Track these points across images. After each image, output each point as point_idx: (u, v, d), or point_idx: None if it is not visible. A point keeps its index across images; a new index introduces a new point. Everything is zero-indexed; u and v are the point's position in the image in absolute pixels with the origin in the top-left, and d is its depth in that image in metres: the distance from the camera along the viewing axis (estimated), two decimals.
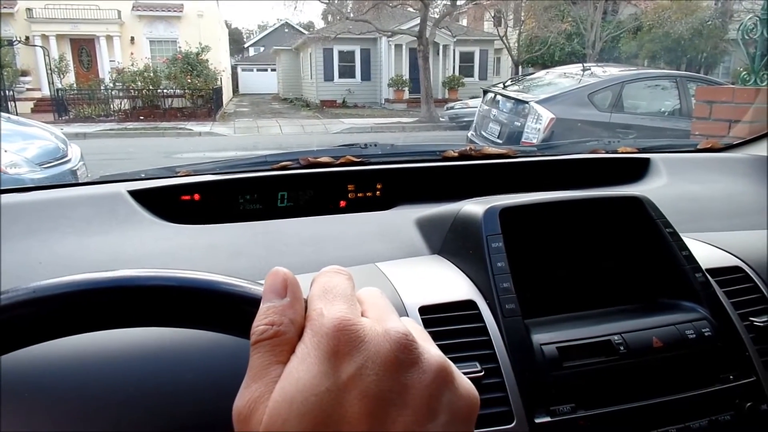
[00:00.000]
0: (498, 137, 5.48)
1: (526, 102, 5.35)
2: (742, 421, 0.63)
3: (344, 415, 0.26)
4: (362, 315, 0.30)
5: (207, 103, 14.71)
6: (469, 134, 6.32)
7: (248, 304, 0.31)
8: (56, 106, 13.58)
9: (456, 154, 1.20)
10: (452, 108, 12.78)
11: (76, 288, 0.31)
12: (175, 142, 10.53)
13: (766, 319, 0.69)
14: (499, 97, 5.90)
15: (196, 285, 0.32)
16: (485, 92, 6.38)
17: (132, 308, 0.32)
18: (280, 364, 0.28)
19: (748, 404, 0.62)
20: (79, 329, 0.32)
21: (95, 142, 9.94)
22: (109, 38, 17.03)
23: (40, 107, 14.41)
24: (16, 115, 10.02)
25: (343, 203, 1.08)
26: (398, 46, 18.44)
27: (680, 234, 0.72)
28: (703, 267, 0.70)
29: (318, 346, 0.27)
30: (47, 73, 15.09)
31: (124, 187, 0.93)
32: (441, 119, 13.08)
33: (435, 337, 0.60)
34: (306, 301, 0.31)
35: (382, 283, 0.67)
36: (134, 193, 0.92)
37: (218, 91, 15.64)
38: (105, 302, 0.32)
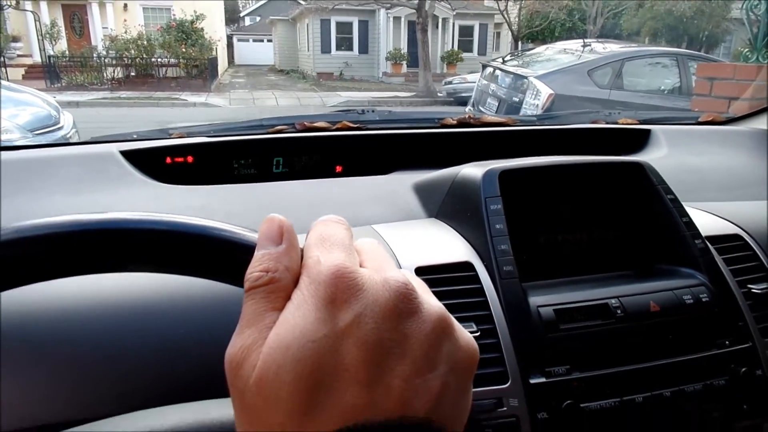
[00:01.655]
0: (496, 112, 5.44)
1: (525, 77, 5.30)
2: (737, 386, 0.63)
3: (342, 363, 0.25)
4: (360, 265, 0.29)
5: (202, 74, 14.51)
6: (467, 109, 6.28)
7: (242, 251, 0.30)
8: (48, 73, 13.36)
9: (455, 122, 1.18)
10: (450, 83, 12.67)
11: (61, 229, 0.30)
12: (169, 113, 10.40)
13: (763, 287, 0.69)
14: (498, 72, 5.83)
15: (189, 230, 0.31)
16: (484, 67, 6.31)
17: (121, 252, 0.31)
18: (275, 311, 0.27)
19: (743, 369, 0.62)
20: (66, 272, 0.31)
21: (88, 111, 9.80)
22: (101, 4, 16.66)
23: (32, 74, 14.17)
24: (7, 81, 9.85)
25: (339, 168, 1.06)
26: (397, 19, 18.16)
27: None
28: (703, 234, 0.69)
29: (315, 293, 0.26)
30: (38, 39, 14.81)
31: (116, 148, 0.91)
32: (439, 94, 12.97)
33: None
34: (302, 250, 0.29)
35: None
36: (126, 154, 0.90)
37: (213, 61, 15.42)
38: (92, 244, 0.30)
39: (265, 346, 0.25)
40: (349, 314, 0.26)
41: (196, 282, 0.55)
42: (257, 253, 0.29)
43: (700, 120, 1.32)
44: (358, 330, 0.26)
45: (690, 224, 0.69)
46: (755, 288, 0.68)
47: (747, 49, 2.60)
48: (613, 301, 0.62)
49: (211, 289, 0.55)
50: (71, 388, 0.48)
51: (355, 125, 1.12)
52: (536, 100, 5.04)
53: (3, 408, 0.45)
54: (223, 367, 0.26)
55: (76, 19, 16.91)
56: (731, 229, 0.76)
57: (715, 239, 0.72)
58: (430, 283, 0.59)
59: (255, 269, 0.28)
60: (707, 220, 0.77)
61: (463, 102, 9.38)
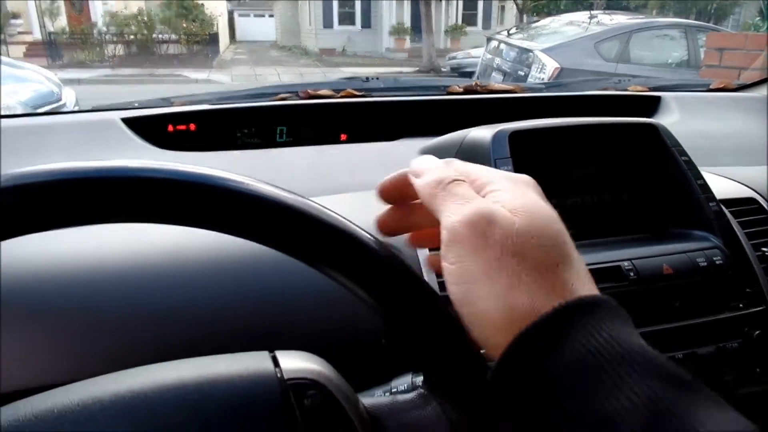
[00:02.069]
0: None
1: (531, 50, 5.21)
2: (750, 350, 0.62)
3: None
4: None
5: (203, 50, 14.36)
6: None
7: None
8: (49, 51, 13.25)
9: (461, 89, 1.16)
10: (455, 58, 12.49)
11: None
12: (171, 89, 10.30)
13: None
14: (502, 46, 5.74)
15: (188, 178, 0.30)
16: (489, 40, 6.22)
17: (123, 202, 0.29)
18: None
19: (757, 332, 0.61)
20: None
21: (90, 88, 9.73)
22: None
23: (33, 51, 14.05)
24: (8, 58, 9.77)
25: (344, 136, 1.05)
26: None
27: None
28: (717, 197, 0.68)
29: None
30: (38, 16, 14.65)
31: (117, 115, 0.90)
32: (443, 69, 12.81)
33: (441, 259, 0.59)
34: None
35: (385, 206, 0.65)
36: (128, 121, 0.89)
37: (215, 37, 15.25)
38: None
39: (512, 208, 0.30)
40: None
41: (185, 240, 0.54)
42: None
43: (711, 87, 1.29)
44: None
45: (704, 187, 0.67)
46: None
47: (758, 18, 2.54)
48: (625, 263, 0.61)
49: (206, 247, 0.54)
50: (65, 349, 0.48)
51: (360, 93, 1.10)
52: (542, 73, 4.96)
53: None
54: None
55: None
56: (746, 193, 0.74)
57: (729, 202, 0.71)
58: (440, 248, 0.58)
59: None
60: (721, 184, 0.76)
61: (467, 76, 9.26)
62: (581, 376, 0.26)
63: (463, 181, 0.32)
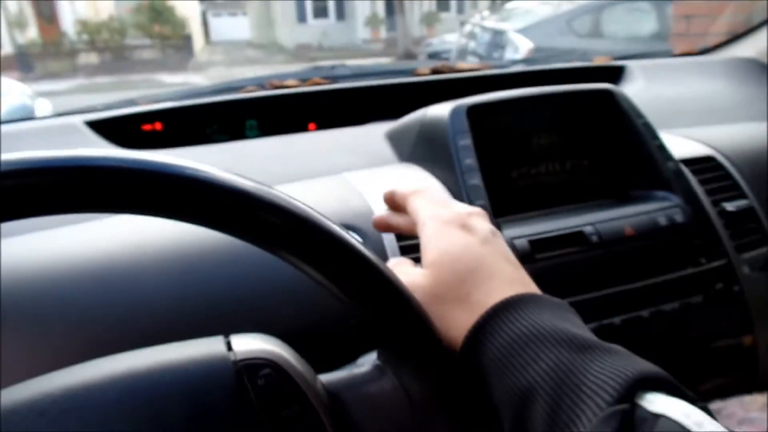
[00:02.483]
0: None
1: (504, 32, 5.21)
2: (714, 303, 0.63)
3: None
4: None
5: (178, 53, 14.20)
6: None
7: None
8: (20, 63, 13.03)
9: (428, 71, 1.16)
10: (430, 45, 12.46)
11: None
12: (147, 95, 10.18)
13: (738, 204, 0.69)
14: (477, 30, 5.73)
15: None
16: (462, 24, 6.21)
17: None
18: None
19: (720, 286, 0.63)
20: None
21: (65, 99, 9.60)
22: None
23: (5, 65, 13.82)
24: None
25: (312, 125, 1.05)
26: None
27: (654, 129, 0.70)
28: (676, 157, 0.69)
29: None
30: (7, 29, 14.38)
31: (80, 119, 0.89)
32: (419, 57, 12.77)
33: (405, 237, 0.59)
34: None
35: (349, 190, 0.65)
36: (92, 124, 0.88)
37: (188, 39, 15.08)
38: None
39: (426, 264, 0.41)
40: None
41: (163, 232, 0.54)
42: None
43: (675, 53, 1.30)
44: None
45: (661, 147, 0.68)
46: (729, 206, 0.68)
47: None
48: (588, 228, 0.62)
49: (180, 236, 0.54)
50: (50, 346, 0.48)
51: (327, 80, 1.09)
52: (516, 54, 4.96)
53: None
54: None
55: (44, 6, 16.40)
56: (705, 151, 0.75)
57: (688, 162, 0.72)
58: None
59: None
60: (680, 144, 0.77)
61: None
62: (509, 356, 0.33)
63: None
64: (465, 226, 0.42)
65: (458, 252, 0.39)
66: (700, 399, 0.28)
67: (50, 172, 0.27)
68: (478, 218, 0.44)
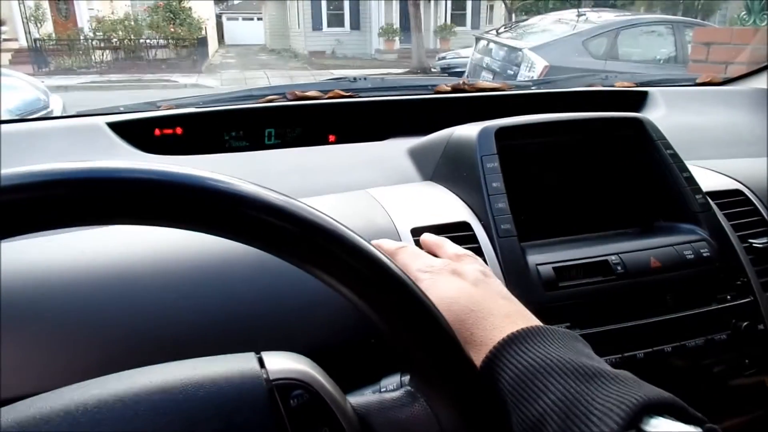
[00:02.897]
0: None
1: (520, 49, 5.22)
2: (738, 341, 0.62)
3: None
4: None
5: (192, 54, 14.31)
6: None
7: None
8: (35, 58, 13.15)
9: (449, 88, 1.16)
10: (444, 58, 12.51)
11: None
12: (160, 94, 10.22)
13: (765, 241, 0.68)
14: (491, 45, 5.75)
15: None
16: (477, 40, 6.23)
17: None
18: None
19: (745, 324, 0.62)
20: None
21: (77, 95, 9.66)
22: None
23: (19, 59, 13.92)
24: None
25: (332, 138, 1.04)
26: None
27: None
28: (703, 190, 0.68)
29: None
30: (23, 23, 14.52)
31: (102, 120, 0.89)
32: (432, 69, 12.82)
33: None
34: None
35: (374, 207, 0.65)
36: (113, 125, 0.88)
37: (203, 41, 15.19)
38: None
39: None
40: None
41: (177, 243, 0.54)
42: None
43: (697, 81, 1.30)
44: None
45: (690, 179, 0.67)
46: (756, 242, 0.67)
47: (744, 13, 2.56)
48: (613, 258, 0.61)
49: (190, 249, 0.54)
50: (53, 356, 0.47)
51: (348, 93, 1.09)
52: (531, 71, 4.98)
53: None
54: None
55: (60, 1, 16.57)
56: (732, 185, 0.75)
57: (715, 194, 0.71)
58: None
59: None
60: (707, 176, 0.76)
61: (457, 76, 9.27)
62: (519, 389, 0.34)
63: None
64: (455, 272, 0.44)
65: (453, 297, 0.41)
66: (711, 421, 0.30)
67: (92, 183, 0.27)
68: (468, 262, 0.47)
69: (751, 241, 0.68)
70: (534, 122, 0.68)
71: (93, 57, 13.63)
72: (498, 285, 0.45)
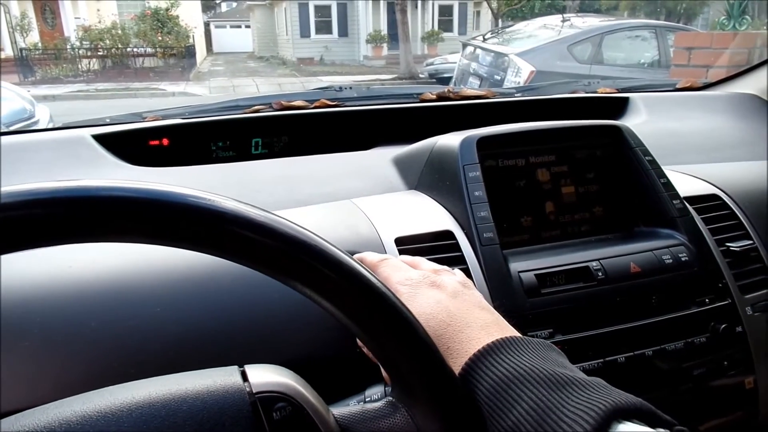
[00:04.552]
0: None
1: (506, 55, 5.27)
2: (717, 343, 0.63)
3: None
4: None
5: (180, 62, 14.26)
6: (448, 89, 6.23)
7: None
8: (21, 67, 13.04)
9: (434, 96, 1.17)
10: (432, 64, 12.57)
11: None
12: (147, 103, 10.21)
13: (741, 245, 0.69)
14: (478, 51, 5.80)
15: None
16: (465, 46, 6.28)
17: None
18: None
19: (723, 326, 0.63)
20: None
21: (65, 104, 9.59)
22: None
23: (4, 68, 13.81)
24: None
25: (318, 147, 1.05)
26: (376, 0, 17.97)
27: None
28: (681, 195, 0.70)
29: None
30: (9, 32, 14.41)
31: (87, 132, 0.89)
32: (420, 75, 12.87)
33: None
34: None
35: (358, 217, 0.66)
36: (99, 137, 0.88)
37: (191, 49, 15.15)
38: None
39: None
40: None
41: (165, 258, 0.54)
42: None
43: (677, 86, 1.32)
44: None
45: (668, 185, 0.69)
46: (733, 246, 0.69)
47: (723, 17, 2.61)
48: (593, 264, 0.62)
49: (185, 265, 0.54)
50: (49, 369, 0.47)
51: (334, 102, 1.10)
52: (518, 77, 5.02)
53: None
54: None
55: (47, 10, 16.44)
56: (709, 190, 0.76)
57: (693, 200, 0.73)
58: (411, 254, 0.59)
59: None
60: (685, 181, 0.78)
61: (444, 82, 9.33)
62: (494, 399, 0.35)
63: None
64: (434, 284, 0.45)
65: (431, 310, 0.42)
66: (682, 425, 0.31)
67: (79, 203, 0.27)
68: (446, 274, 0.47)
69: (728, 244, 0.69)
70: (515, 131, 0.69)
71: (80, 66, 13.54)
72: (476, 296, 0.46)
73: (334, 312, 0.33)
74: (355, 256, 0.47)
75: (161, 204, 0.28)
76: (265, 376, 0.35)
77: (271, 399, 0.33)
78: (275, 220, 0.30)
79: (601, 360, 0.59)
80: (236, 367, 0.36)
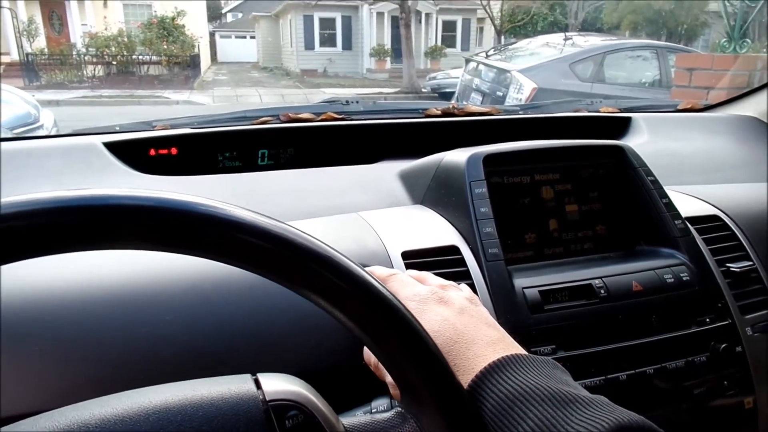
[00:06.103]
0: None
1: (509, 71, 5.32)
2: (717, 363, 0.64)
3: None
4: None
5: (184, 71, 14.36)
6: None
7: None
8: (26, 72, 13.13)
9: (439, 112, 1.19)
10: (434, 78, 12.67)
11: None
12: (151, 111, 10.27)
13: (742, 265, 0.70)
14: (481, 67, 5.85)
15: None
16: (467, 61, 6.33)
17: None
18: None
19: (723, 346, 0.64)
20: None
21: (69, 110, 9.65)
22: (81, 1, 16.38)
23: (10, 72, 13.89)
24: None
25: (324, 159, 1.06)
26: (380, 14, 18.14)
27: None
28: (683, 215, 0.71)
29: None
30: (16, 37, 14.52)
31: (98, 140, 0.90)
32: (423, 90, 12.97)
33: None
34: None
35: (365, 230, 0.67)
36: (109, 145, 0.90)
37: (195, 58, 15.27)
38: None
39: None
40: None
41: (176, 266, 0.55)
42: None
43: (679, 108, 1.34)
44: None
45: (670, 205, 0.70)
46: (734, 267, 0.70)
47: (724, 40, 2.64)
48: (596, 281, 0.63)
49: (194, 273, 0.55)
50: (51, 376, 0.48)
51: (340, 116, 1.12)
52: (520, 93, 5.06)
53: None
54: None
55: (54, 16, 16.58)
56: (710, 210, 0.77)
57: (694, 220, 0.74)
58: (417, 268, 0.60)
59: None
60: (686, 202, 0.79)
61: (447, 97, 9.40)
62: (500, 416, 0.36)
63: None
64: (442, 300, 0.45)
65: (438, 327, 0.42)
66: None
67: (96, 210, 0.28)
68: (454, 289, 0.48)
69: (728, 265, 0.70)
70: (521, 149, 0.70)
71: (85, 72, 13.63)
72: (483, 312, 0.47)
73: (346, 322, 0.34)
74: (366, 269, 0.48)
75: (185, 214, 0.29)
76: (277, 384, 0.36)
77: (284, 407, 0.34)
78: (292, 231, 0.32)
79: (603, 377, 0.60)
80: (249, 375, 0.36)
